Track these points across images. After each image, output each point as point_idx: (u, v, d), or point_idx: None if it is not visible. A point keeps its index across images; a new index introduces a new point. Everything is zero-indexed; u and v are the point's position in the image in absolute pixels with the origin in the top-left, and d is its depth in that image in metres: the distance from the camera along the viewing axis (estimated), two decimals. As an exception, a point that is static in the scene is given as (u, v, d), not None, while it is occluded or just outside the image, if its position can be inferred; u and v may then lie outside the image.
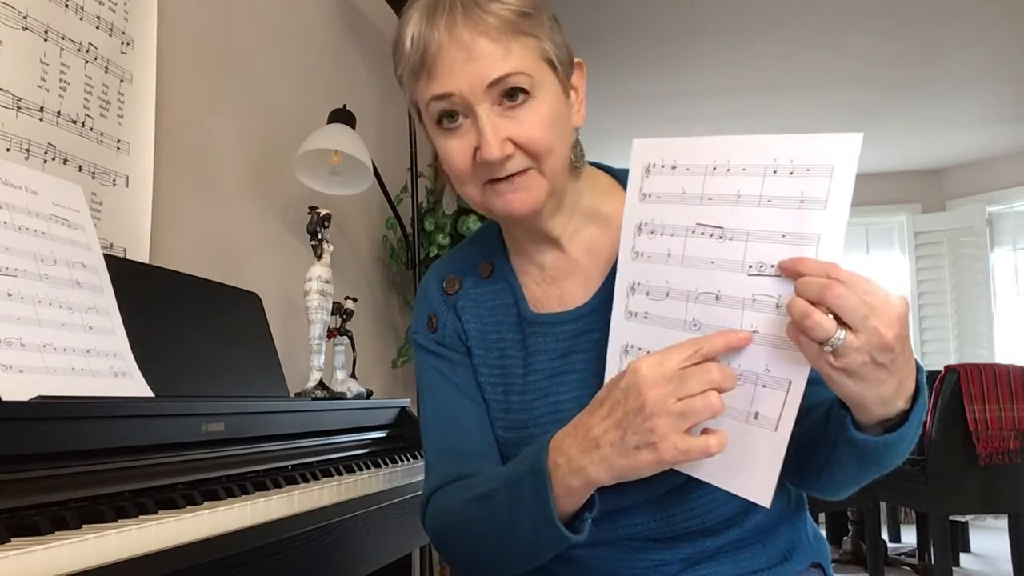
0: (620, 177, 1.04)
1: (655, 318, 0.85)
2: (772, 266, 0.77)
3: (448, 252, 1.17)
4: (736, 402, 0.78)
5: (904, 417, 0.79)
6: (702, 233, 0.81)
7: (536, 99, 0.91)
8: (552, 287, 1.03)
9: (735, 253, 0.79)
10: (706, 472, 0.82)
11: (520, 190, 0.93)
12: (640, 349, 0.85)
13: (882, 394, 0.76)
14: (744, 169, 0.79)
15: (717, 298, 0.80)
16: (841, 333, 0.71)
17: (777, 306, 0.76)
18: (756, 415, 0.78)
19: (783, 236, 0.77)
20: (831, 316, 0.72)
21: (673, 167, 0.84)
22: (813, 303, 0.72)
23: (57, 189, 1.09)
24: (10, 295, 0.95)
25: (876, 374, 0.74)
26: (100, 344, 1.06)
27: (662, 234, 0.85)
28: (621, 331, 0.87)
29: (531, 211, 0.95)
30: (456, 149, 0.93)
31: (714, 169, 0.81)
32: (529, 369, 1.01)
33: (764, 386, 0.78)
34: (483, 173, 0.93)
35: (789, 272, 0.76)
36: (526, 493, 0.85)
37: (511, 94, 0.90)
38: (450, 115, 0.92)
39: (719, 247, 0.80)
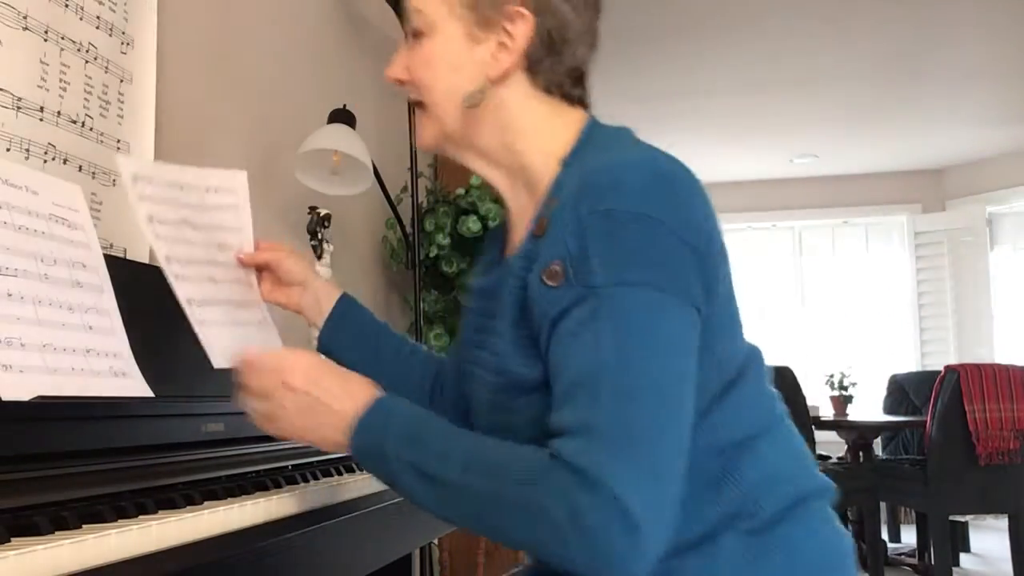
0: (579, 146, 0.97)
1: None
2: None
3: None
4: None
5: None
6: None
7: (428, 38, 0.98)
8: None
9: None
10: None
11: (417, 127, 1.05)
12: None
13: None
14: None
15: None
16: None
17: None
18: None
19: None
20: None
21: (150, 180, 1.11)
22: None
23: (57, 189, 1.08)
24: (10, 295, 0.95)
25: None
26: (100, 344, 1.06)
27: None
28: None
29: (424, 148, 1.05)
30: None
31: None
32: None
33: None
34: None
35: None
36: None
37: (414, 32, 1.00)
38: None
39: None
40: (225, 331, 1.11)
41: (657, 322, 0.82)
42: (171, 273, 1.07)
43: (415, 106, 1.03)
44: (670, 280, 0.84)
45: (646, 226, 0.83)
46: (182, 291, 1.07)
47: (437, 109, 0.99)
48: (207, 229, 1.17)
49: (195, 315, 1.07)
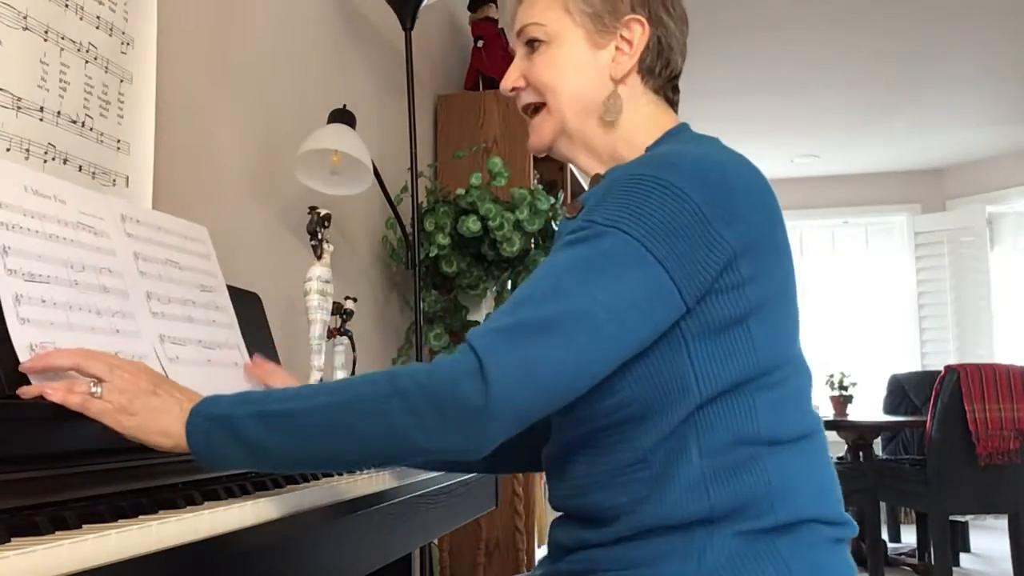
0: (662, 140, 1.05)
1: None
2: None
3: None
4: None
5: None
6: None
7: (551, 45, 1.05)
8: None
9: None
10: None
11: (533, 129, 1.10)
12: None
13: None
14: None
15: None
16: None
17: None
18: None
19: None
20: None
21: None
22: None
23: (83, 198, 1.12)
24: (44, 301, 0.98)
25: None
26: (126, 347, 1.08)
27: None
28: None
29: (539, 148, 1.10)
30: None
31: None
32: None
33: None
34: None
35: None
36: None
37: (530, 43, 1.07)
38: None
39: None
40: (196, 370, 1.16)
41: (624, 269, 0.86)
42: (148, 310, 1.12)
43: (529, 110, 1.10)
44: (664, 246, 0.86)
45: (666, 194, 0.88)
46: (156, 328, 1.12)
47: (561, 107, 1.06)
48: (190, 270, 1.25)
49: (166, 352, 1.11)
